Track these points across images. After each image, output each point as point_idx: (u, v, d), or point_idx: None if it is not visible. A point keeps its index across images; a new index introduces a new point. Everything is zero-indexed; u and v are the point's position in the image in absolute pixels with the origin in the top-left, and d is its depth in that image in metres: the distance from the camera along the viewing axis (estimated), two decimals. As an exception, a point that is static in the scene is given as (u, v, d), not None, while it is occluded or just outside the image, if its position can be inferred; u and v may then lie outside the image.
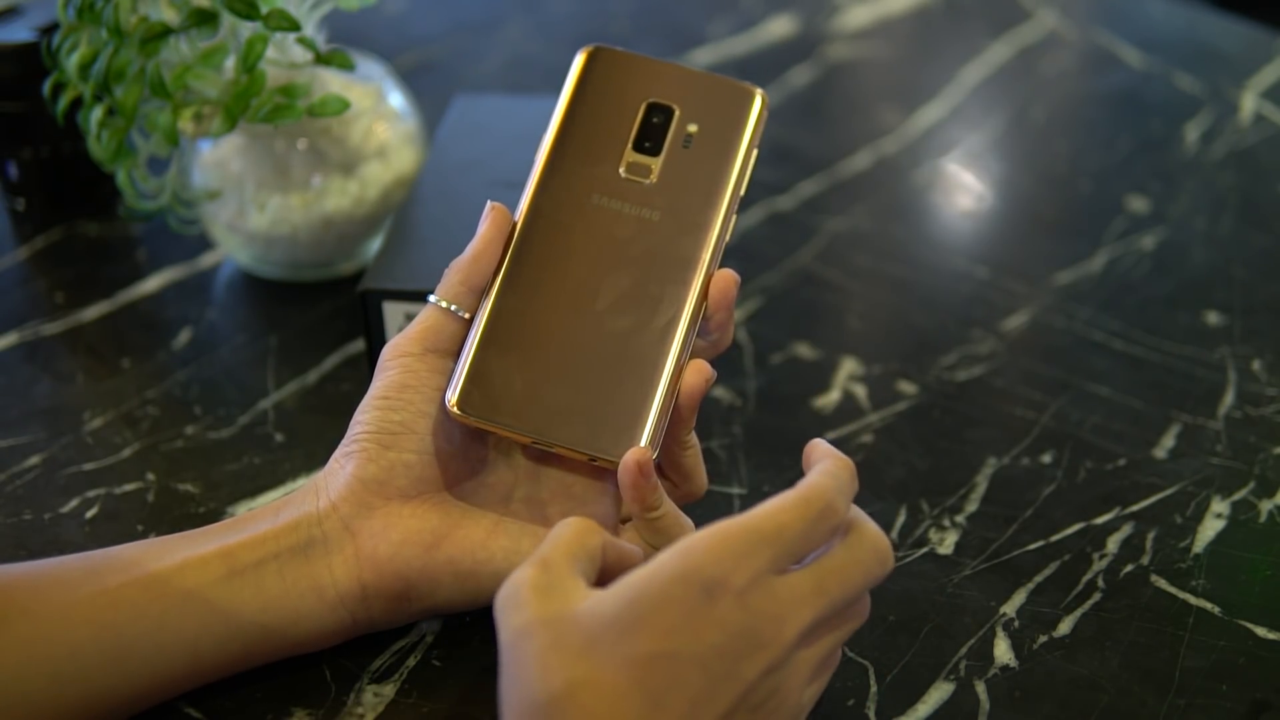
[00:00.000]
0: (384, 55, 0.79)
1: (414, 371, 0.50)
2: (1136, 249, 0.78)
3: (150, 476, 0.61)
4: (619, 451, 0.49)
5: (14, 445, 0.63)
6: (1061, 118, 0.95)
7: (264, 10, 0.62)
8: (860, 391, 0.66)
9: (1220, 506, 0.59)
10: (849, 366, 0.68)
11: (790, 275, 0.75)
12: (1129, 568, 0.56)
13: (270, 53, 0.65)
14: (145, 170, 0.68)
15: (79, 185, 0.78)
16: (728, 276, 0.52)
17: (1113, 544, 0.57)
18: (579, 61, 0.55)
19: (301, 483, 0.60)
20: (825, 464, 0.45)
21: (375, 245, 0.74)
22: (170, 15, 0.63)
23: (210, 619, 0.48)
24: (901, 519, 0.59)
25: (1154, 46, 1.00)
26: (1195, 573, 0.56)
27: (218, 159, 0.71)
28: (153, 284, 0.74)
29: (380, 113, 0.73)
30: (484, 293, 0.51)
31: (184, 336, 0.70)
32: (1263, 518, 0.59)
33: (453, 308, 0.51)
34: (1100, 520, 0.59)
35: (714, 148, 0.54)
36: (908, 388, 0.67)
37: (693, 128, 0.55)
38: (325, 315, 0.72)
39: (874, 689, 0.51)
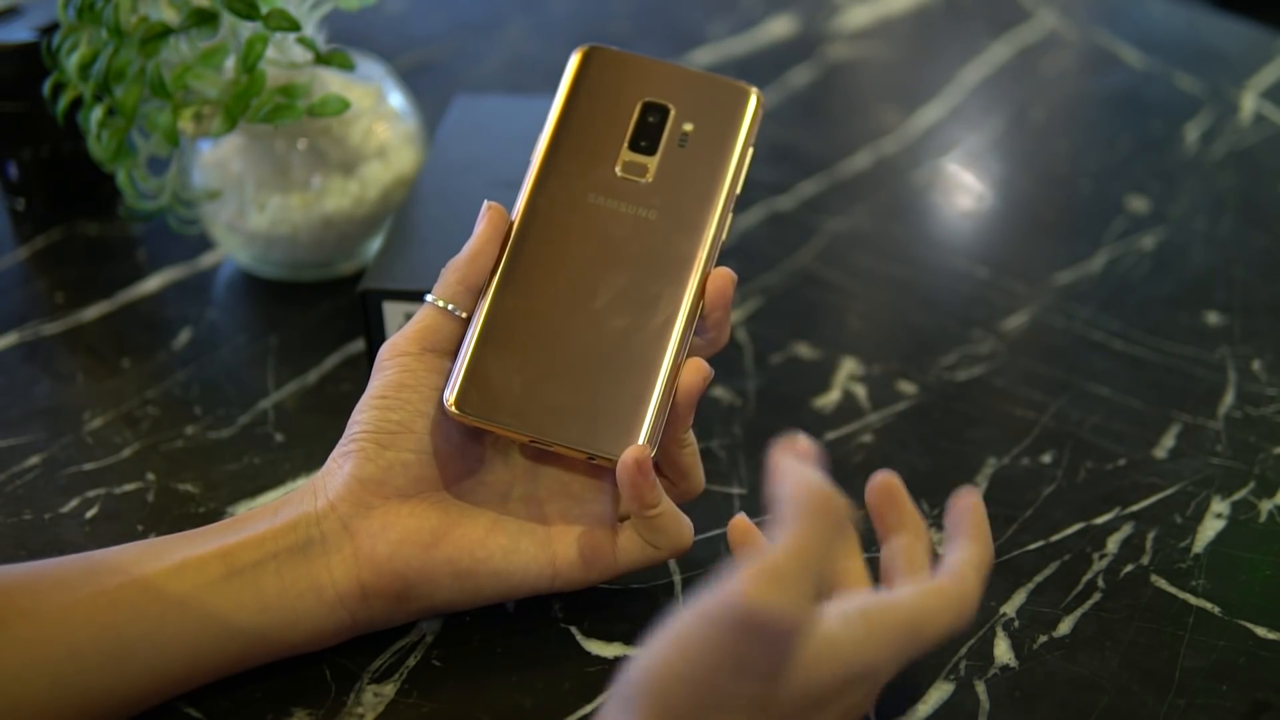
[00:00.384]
0: (384, 55, 0.79)
1: (411, 371, 0.50)
2: (1136, 249, 0.78)
3: (150, 476, 0.61)
4: (617, 450, 0.49)
5: (14, 445, 0.63)
6: (1061, 118, 0.95)
7: (264, 10, 0.62)
8: (860, 391, 0.66)
9: (1220, 506, 0.59)
10: (849, 366, 0.68)
11: (790, 275, 0.75)
12: (1129, 568, 0.56)
13: (270, 53, 0.65)
14: (145, 170, 0.68)
15: (79, 185, 0.78)
16: (724, 274, 0.52)
17: (1113, 544, 0.57)
18: (574, 61, 0.55)
19: (301, 483, 0.60)
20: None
21: (375, 245, 0.74)
22: (170, 15, 0.63)
23: (209, 620, 0.48)
24: (901, 519, 0.59)
25: (1154, 46, 1.00)
26: (1195, 573, 0.56)
27: (218, 159, 0.71)
28: (153, 284, 0.74)
29: (380, 113, 0.73)
30: (481, 292, 0.51)
31: (184, 336, 0.70)
32: (1263, 518, 0.59)
33: (450, 307, 0.51)
34: (1100, 520, 0.59)
35: (710, 147, 0.54)
36: (908, 388, 0.67)
37: (688, 127, 0.55)
38: (325, 315, 0.72)
39: (873, 689, 0.51)
